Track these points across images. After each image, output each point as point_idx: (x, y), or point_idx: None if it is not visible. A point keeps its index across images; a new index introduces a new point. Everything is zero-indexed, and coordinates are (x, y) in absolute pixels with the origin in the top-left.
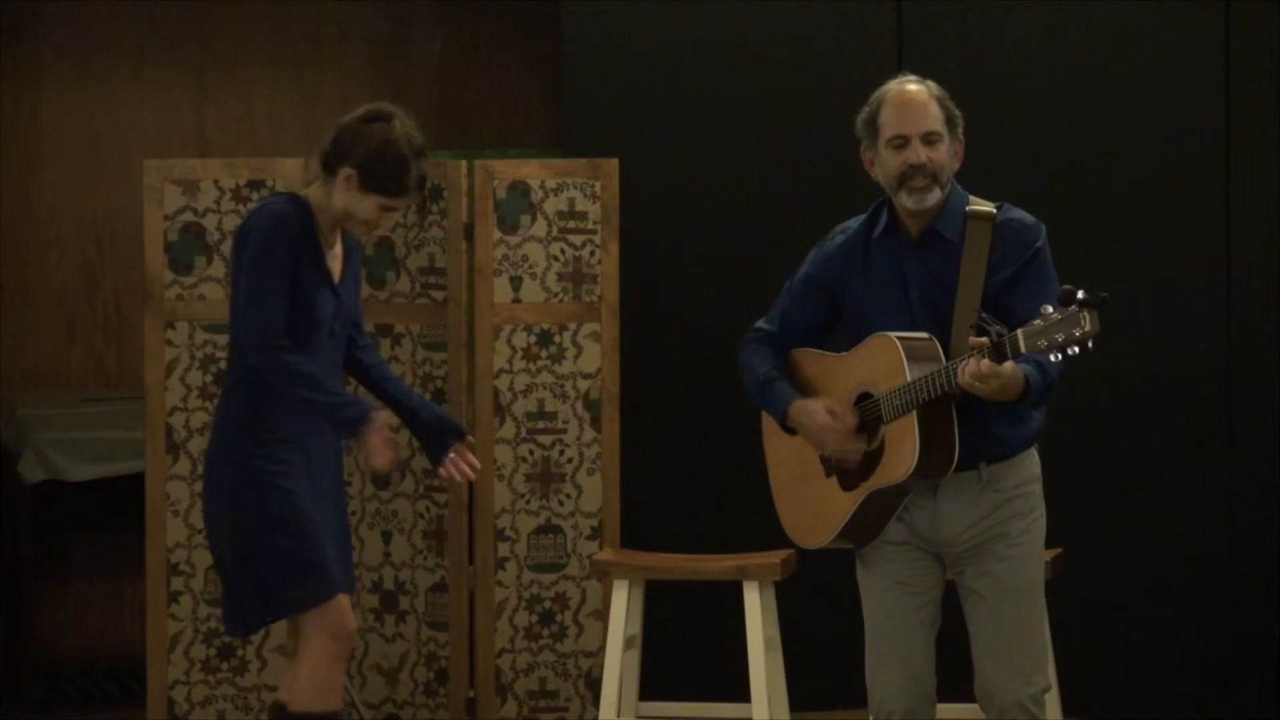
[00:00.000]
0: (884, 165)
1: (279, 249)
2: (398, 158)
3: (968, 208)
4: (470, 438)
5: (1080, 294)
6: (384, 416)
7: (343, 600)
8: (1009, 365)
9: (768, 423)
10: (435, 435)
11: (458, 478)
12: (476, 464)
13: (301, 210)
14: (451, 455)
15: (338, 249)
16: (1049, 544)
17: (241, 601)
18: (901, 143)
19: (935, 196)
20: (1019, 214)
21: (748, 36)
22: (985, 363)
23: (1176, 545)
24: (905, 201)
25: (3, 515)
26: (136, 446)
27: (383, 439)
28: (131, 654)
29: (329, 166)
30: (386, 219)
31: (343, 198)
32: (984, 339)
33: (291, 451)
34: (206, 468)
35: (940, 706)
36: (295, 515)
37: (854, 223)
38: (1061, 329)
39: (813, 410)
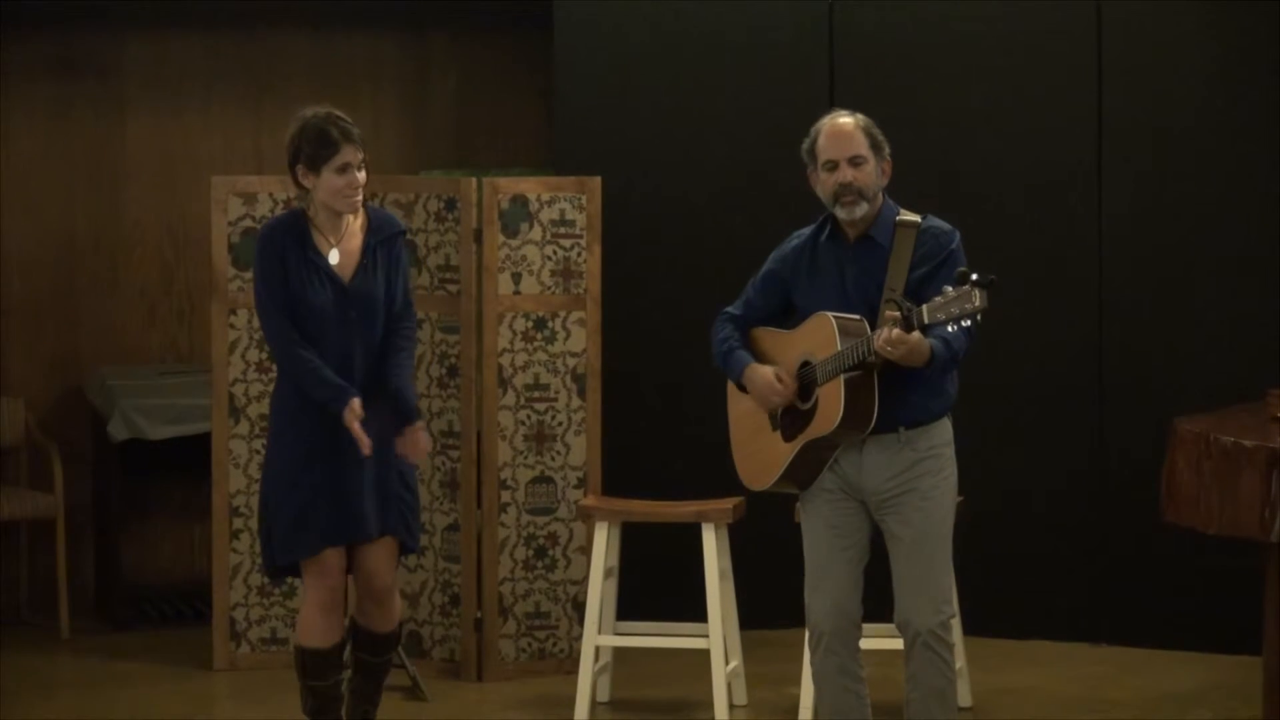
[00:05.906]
0: (821, 184)
1: (269, 258)
2: (314, 128)
3: (897, 218)
4: (420, 423)
5: (973, 276)
6: (355, 406)
7: (325, 555)
8: (916, 335)
9: (730, 388)
10: (397, 416)
11: (410, 457)
12: (423, 445)
13: (293, 219)
14: (403, 434)
15: (351, 244)
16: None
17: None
18: (833, 166)
19: (862, 209)
20: (938, 223)
21: (711, 84)
22: (896, 330)
23: (1054, 498)
24: (839, 213)
25: (96, 466)
26: (205, 411)
27: (355, 431)
28: (200, 581)
29: (295, 180)
30: (350, 180)
31: (314, 190)
32: (897, 313)
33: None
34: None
35: (867, 626)
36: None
37: (806, 230)
38: (957, 304)
39: (764, 373)
